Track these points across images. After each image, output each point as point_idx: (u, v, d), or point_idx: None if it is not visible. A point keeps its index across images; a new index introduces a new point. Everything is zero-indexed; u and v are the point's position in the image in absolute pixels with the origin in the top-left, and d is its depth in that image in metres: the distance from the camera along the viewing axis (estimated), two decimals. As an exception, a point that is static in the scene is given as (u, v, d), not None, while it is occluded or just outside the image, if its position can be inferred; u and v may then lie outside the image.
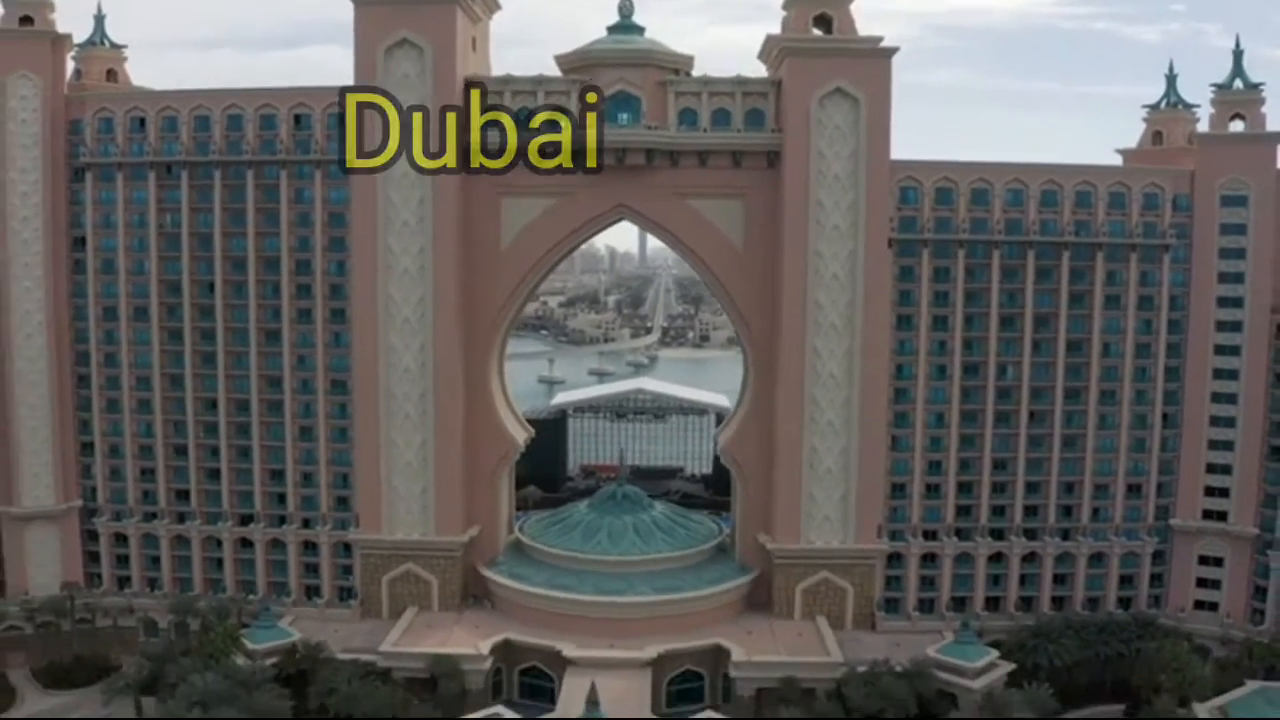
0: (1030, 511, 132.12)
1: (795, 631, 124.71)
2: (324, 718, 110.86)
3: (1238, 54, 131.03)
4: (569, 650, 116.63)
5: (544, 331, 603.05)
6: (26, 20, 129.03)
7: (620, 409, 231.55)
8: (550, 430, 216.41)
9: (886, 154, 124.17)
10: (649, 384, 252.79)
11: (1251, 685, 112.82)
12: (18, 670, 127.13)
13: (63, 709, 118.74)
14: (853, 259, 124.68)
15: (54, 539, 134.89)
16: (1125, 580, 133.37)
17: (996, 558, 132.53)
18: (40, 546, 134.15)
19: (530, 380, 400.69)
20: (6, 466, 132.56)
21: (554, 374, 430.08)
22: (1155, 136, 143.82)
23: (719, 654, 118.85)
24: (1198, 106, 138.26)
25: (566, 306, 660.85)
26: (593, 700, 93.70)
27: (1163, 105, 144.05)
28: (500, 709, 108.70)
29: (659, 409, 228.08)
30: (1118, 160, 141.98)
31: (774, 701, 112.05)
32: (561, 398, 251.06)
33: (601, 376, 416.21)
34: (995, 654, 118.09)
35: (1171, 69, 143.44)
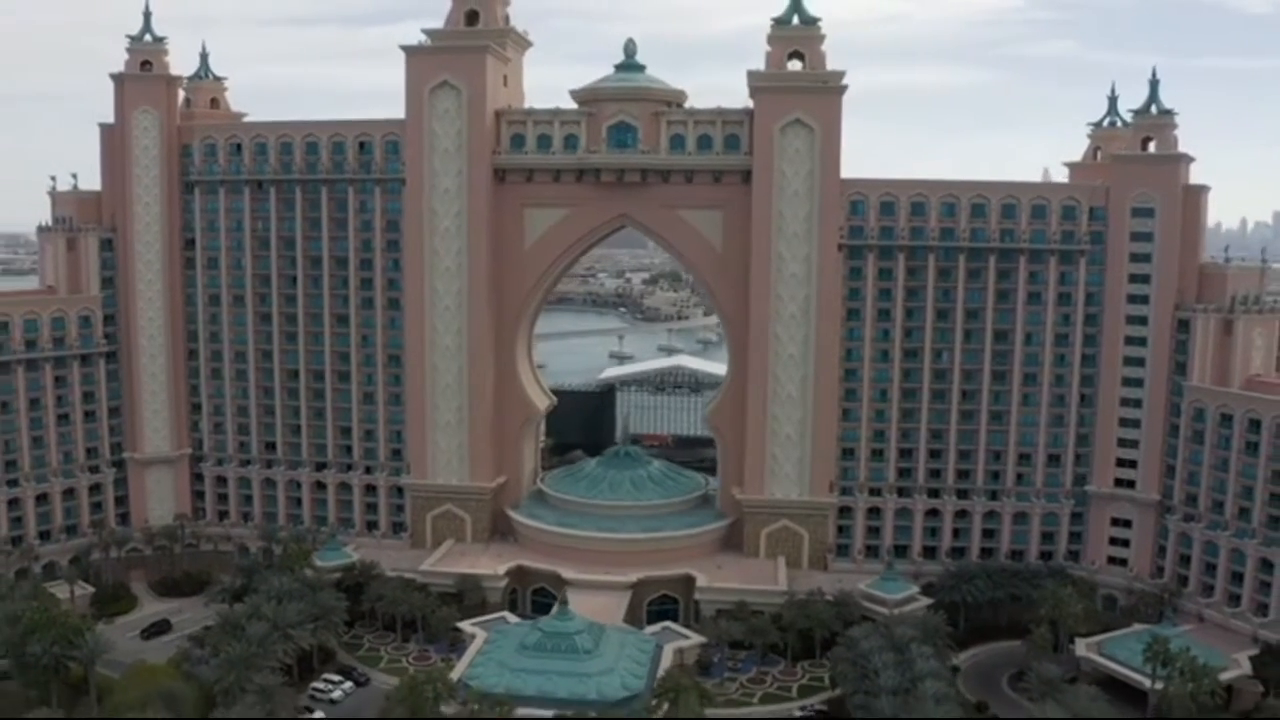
0: (962, 475, 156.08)
1: (757, 568, 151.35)
2: (373, 616, 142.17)
3: (1154, 83, 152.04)
4: (567, 573, 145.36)
5: (622, 309, 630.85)
6: (146, 64, 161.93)
7: (660, 383, 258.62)
8: (599, 401, 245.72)
9: (837, 173, 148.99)
10: (686, 361, 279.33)
11: (1136, 627, 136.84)
12: (138, 582, 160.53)
13: (173, 611, 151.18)
14: (809, 261, 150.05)
15: (169, 479, 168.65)
16: (1047, 536, 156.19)
17: (933, 513, 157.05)
18: (158, 485, 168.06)
19: (602, 355, 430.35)
20: (133, 422, 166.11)
21: (624, 350, 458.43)
22: (1095, 151, 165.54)
23: (690, 581, 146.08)
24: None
25: (649, 284, 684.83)
26: (562, 600, 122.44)
27: (1104, 124, 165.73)
28: (506, 614, 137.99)
29: (694, 384, 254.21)
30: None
31: (729, 620, 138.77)
32: (610, 372, 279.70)
33: (670, 353, 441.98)
34: (915, 589, 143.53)
35: (1113, 90, 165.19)
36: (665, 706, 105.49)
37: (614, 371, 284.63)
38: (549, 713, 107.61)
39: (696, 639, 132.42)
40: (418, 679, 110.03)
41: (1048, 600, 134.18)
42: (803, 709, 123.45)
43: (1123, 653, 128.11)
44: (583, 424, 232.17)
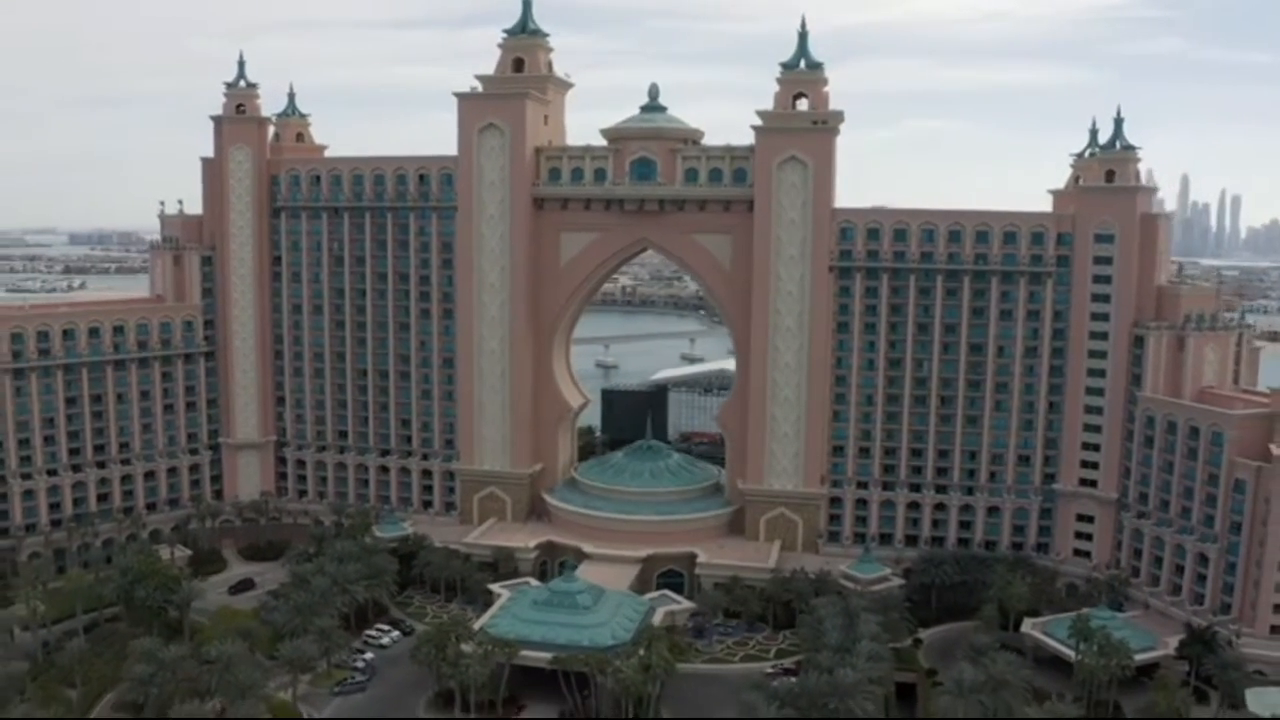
0: (940, 472, 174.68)
1: (754, 549, 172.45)
2: (422, 580, 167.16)
3: (1118, 121, 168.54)
4: (587, 548, 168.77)
5: (701, 311, 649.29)
6: (240, 107, 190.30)
7: (708, 385, 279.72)
8: (651, 401, 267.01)
9: (829, 204, 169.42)
10: (731, 365, 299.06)
11: (1084, 610, 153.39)
12: (228, 548, 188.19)
13: (256, 572, 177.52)
14: (803, 280, 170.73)
15: (256, 462, 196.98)
16: (1019, 529, 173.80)
17: (913, 505, 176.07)
18: (247, 467, 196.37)
19: (674, 356, 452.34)
20: (227, 412, 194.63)
21: (694, 352, 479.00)
22: (1077, 179, 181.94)
23: (693, 558, 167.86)
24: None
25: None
26: (571, 566, 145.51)
27: (1086, 155, 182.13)
28: (530, 579, 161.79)
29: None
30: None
31: (720, 591, 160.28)
32: (662, 374, 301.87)
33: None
34: (888, 571, 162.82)
35: (1094, 124, 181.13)
36: (641, 652, 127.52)
37: (666, 373, 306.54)
38: (548, 654, 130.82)
39: (687, 605, 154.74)
40: (444, 624, 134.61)
41: (996, 584, 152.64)
42: (773, 667, 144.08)
43: (1061, 632, 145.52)
44: (636, 422, 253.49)
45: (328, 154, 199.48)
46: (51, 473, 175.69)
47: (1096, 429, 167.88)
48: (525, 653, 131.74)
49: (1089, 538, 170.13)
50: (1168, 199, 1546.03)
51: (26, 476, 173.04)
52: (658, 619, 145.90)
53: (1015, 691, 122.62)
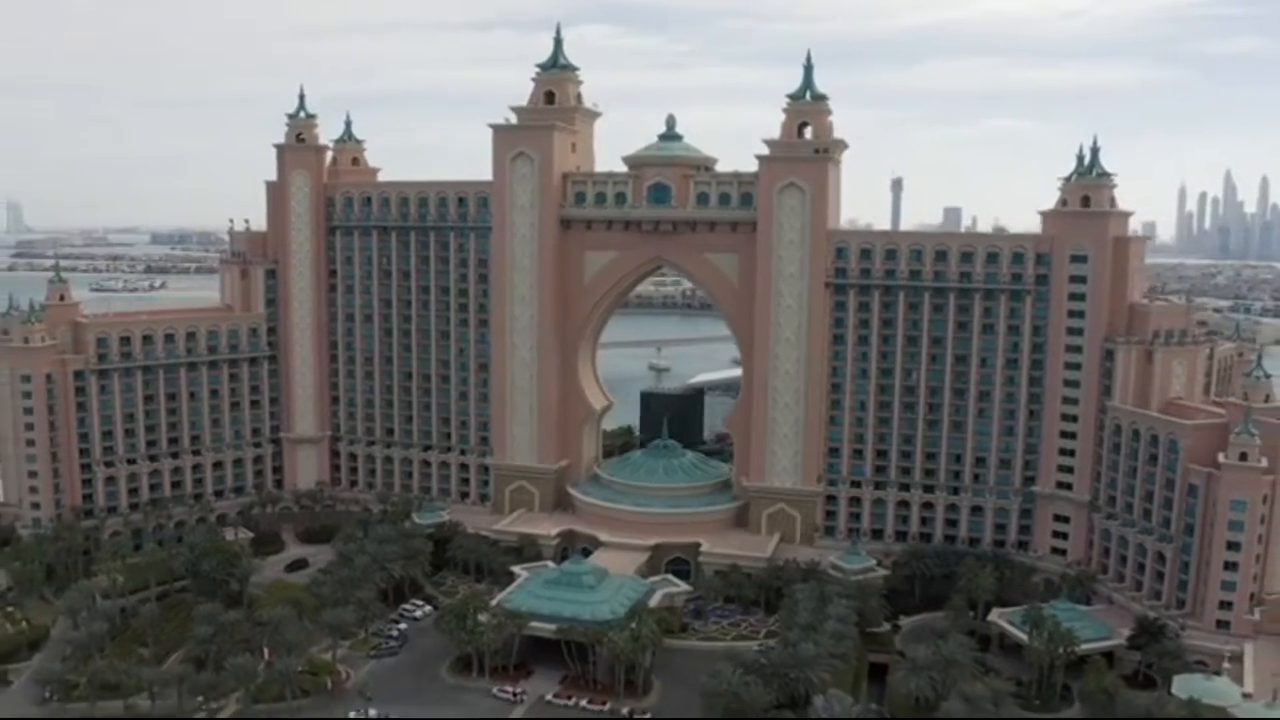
0: (928, 473, 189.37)
1: (755, 541, 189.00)
2: (455, 563, 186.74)
3: (1094, 149, 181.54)
4: (603, 536, 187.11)
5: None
6: (300, 137, 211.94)
7: (740, 389, 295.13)
8: (687, 403, 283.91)
9: (825, 226, 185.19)
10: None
11: (1055, 603, 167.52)
12: (287, 532, 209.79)
13: (311, 554, 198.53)
14: (801, 296, 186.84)
15: (313, 455, 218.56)
16: (1000, 527, 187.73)
17: (903, 504, 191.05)
18: (305, 459, 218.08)
19: (725, 360, 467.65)
20: (288, 410, 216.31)
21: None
22: (1064, 202, 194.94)
23: (697, 547, 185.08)
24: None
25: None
26: (585, 552, 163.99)
27: (1072, 179, 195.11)
28: (548, 562, 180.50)
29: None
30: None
31: (717, 577, 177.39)
32: (699, 378, 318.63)
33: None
34: (873, 562, 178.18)
35: (1081, 150, 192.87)
36: (633, 626, 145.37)
37: (703, 377, 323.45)
38: (553, 626, 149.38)
39: (684, 588, 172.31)
40: (465, 598, 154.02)
41: (966, 576, 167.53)
42: (759, 645, 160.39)
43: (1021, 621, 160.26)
44: (672, 423, 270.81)
45: (381, 177, 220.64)
46: (131, 462, 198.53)
47: (1072, 436, 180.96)
48: (534, 624, 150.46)
49: (1065, 536, 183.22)
50: (1247, 202, 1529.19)
51: (109, 465, 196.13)
52: (655, 600, 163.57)
53: (963, 669, 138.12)
